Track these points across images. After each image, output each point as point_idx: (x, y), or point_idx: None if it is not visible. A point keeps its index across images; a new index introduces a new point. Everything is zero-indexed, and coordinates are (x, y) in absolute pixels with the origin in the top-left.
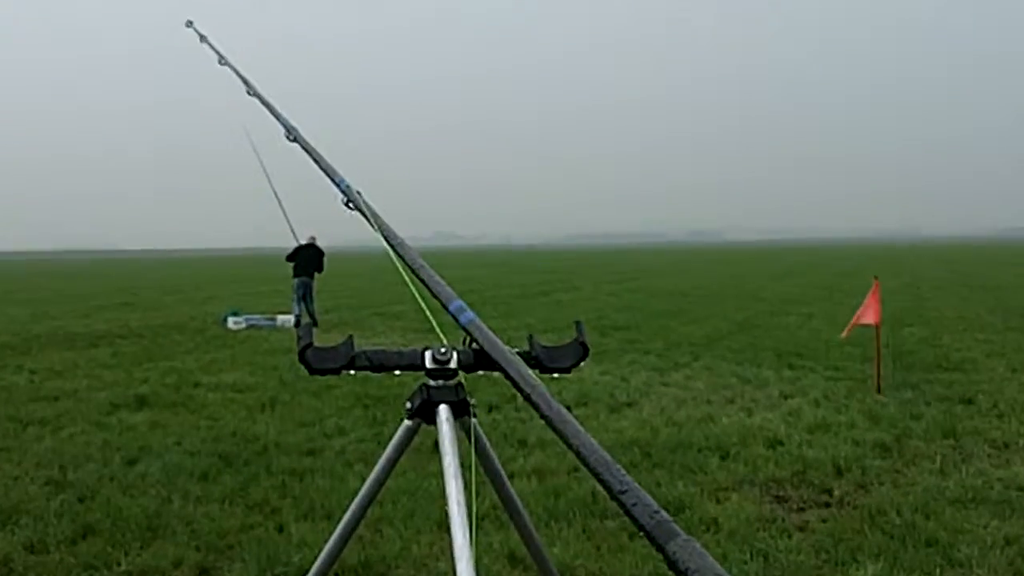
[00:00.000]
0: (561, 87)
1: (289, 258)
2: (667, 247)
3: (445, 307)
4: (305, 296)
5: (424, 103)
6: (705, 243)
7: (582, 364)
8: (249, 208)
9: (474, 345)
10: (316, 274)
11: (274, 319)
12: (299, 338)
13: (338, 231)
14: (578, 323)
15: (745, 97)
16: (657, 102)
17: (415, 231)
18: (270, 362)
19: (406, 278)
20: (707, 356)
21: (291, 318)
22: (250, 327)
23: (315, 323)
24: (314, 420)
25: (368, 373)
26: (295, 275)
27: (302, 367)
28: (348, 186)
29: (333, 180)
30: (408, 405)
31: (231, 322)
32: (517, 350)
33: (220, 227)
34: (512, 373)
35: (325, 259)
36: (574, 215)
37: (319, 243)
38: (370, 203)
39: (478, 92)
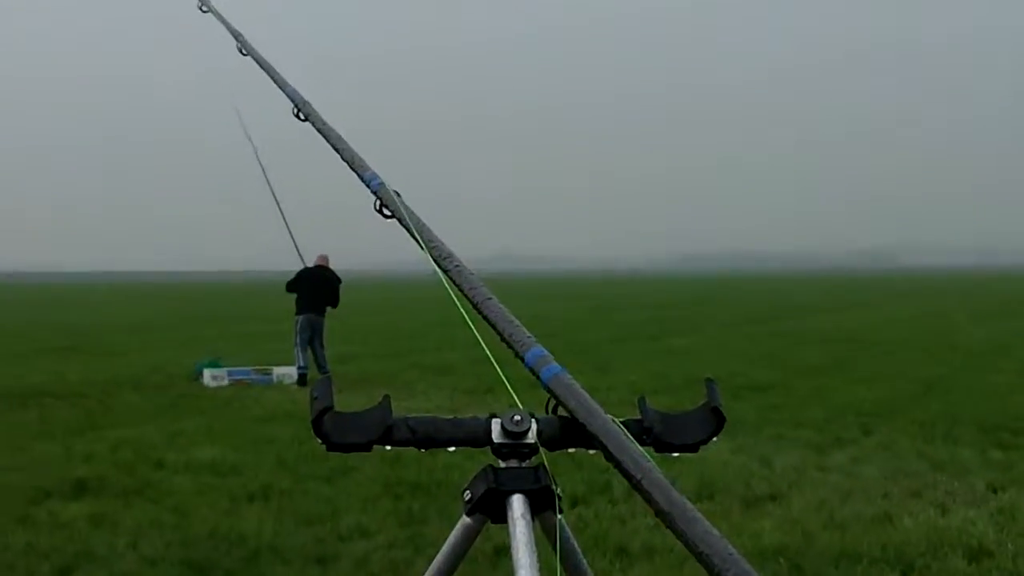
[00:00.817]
0: (678, 75)
1: (291, 287)
2: (822, 274)
3: (520, 356)
4: (313, 340)
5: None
6: (875, 269)
7: (715, 439)
8: (239, 220)
9: (561, 411)
10: (328, 309)
11: (270, 373)
12: (313, 399)
13: (363, 250)
14: (710, 382)
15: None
16: (794, 95)
17: (469, 251)
18: (263, 433)
19: (464, 315)
20: (882, 430)
21: (293, 371)
22: (235, 383)
23: (303, 373)
24: (325, 516)
25: (409, 450)
26: (299, 311)
27: (316, 440)
28: (382, 184)
29: (361, 176)
30: (466, 496)
31: (209, 376)
32: (622, 419)
33: (198, 244)
34: (615, 451)
35: (341, 288)
36: (694, 229)
37: (333, 266)
38: (412, 209)
39: (558, 67)
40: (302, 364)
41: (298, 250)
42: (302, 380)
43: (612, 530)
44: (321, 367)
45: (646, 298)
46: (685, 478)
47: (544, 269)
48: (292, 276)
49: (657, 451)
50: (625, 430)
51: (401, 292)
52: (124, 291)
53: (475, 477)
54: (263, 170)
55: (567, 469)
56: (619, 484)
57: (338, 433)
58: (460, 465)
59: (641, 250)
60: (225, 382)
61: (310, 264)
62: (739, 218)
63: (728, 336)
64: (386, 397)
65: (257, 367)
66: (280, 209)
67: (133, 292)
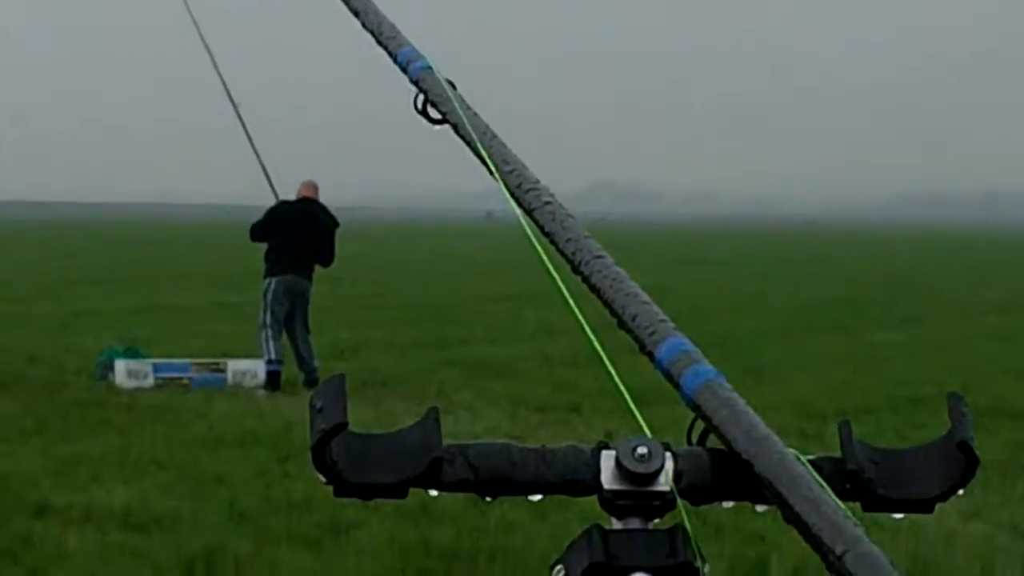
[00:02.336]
0: None
1: (257, 232)
2: None
3: (648, 351)
4: (292, 318)
5: None
6: None
7: (960, 492)
8: (180, 131)
9: (711, 441)
10: (317, 269)
11: (222, 369)
12: (316, 411)
13: (378, 177)
14: (955, 400)
15: None
16: None
17: (557, 182)
18: (210, 465)
19: (556, 280)
20: None
21: (259, 367)
22: (165, 384)
23: (310, 377)
24: None
25: (456, 497)
26: (270, 270)
27: (316, 477)
28: (428, 69)
29: (393, 56)
30: (558, 573)
31: (124, 372)
32: (811, 457)
33: (107, 164)
34: (801, 507)
35: (338, 236)
36: (910, 163)
37: (325, 200)
38: (474, 110)
39: None
40: (273, 356)
41: (267, 175)
42: (272, 381)
43: None
44: (303, 361)
45: (829, 264)
46: (886, 549)
47: (660, 213)
48: (260, 216)
49: (866, 509)
50: (817, 474)
51: (437, 245)
52: None
53: (573, 545)
54: (204, 43)
55: (696, 532)
56: (780, 562)
57: (355, 467)
58: (527, 525)
59: (825, 187)
60: (149, 382)
61: (289, 197)
62: (998, 141)
63: (964, 329)
64: (433, 411)
65: (201, 360)
66: (235, 105)
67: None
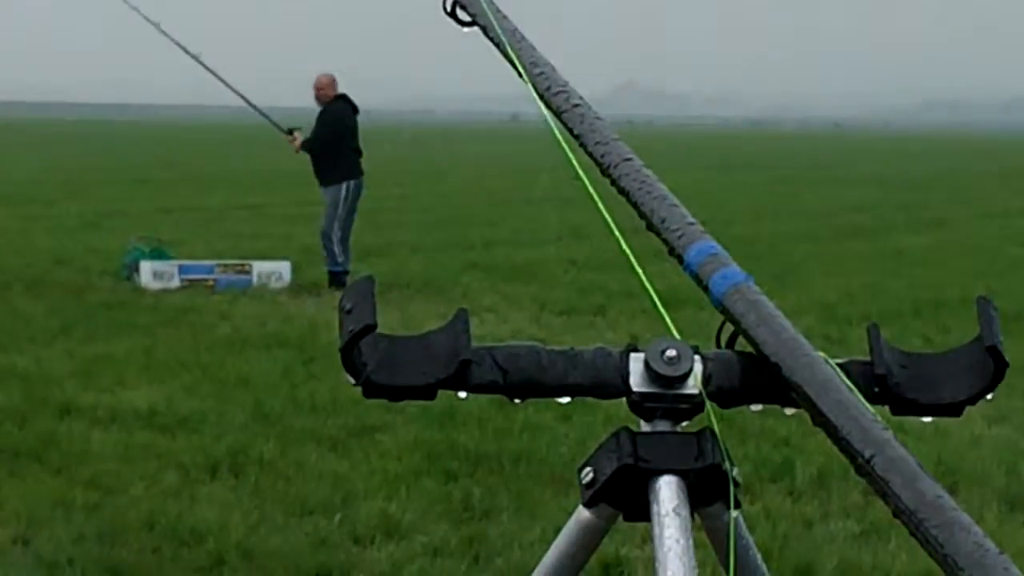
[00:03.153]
0: None
1: (325, 141)
2: None
3: (677, 254)
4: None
5: None
6: None
7: (988, 396)
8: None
9: (740, 344)
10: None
11: (247, 271)
12: (344, 312)
13: (397, 76)
14: (984, 303)
15: None
16: None
17: (581, 84)
18: (234, 367)
19: (585, 183)
20: None
21: (283, 267)
22: (191, 285)
23: (331, 276)
24: (331, 503)
25: (472, 402)
26: (346, 174)
27: (345, 378)
28: None
29: None
30: (586, 476)
31: (150, 273)
32: (840, 361)
33: (128, 62)
34: (829, 409)
35: (326, 128)
36: (947, 63)
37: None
38: (504, 14)
39: None
40: (339, 261)
41: (225, 82)
42: (338, 280)
43: (793, 539)
44: (347, 260)
45: (856, 168)
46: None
47: (691, 116)
48: (317, 122)
49: (895, 412)
50: (845, 378)
51: (459, 146)
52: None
53: (600, 447)
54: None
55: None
56: (805, 466)
57: (385, 368)
58: (553, 427)
59: (853, 90)
60: (175, 283)
61: (335, 91)
62: (1019, 48)
63: (989, 233)
64: (462, 313)
65: (226, 261)
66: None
67: (20, 129)
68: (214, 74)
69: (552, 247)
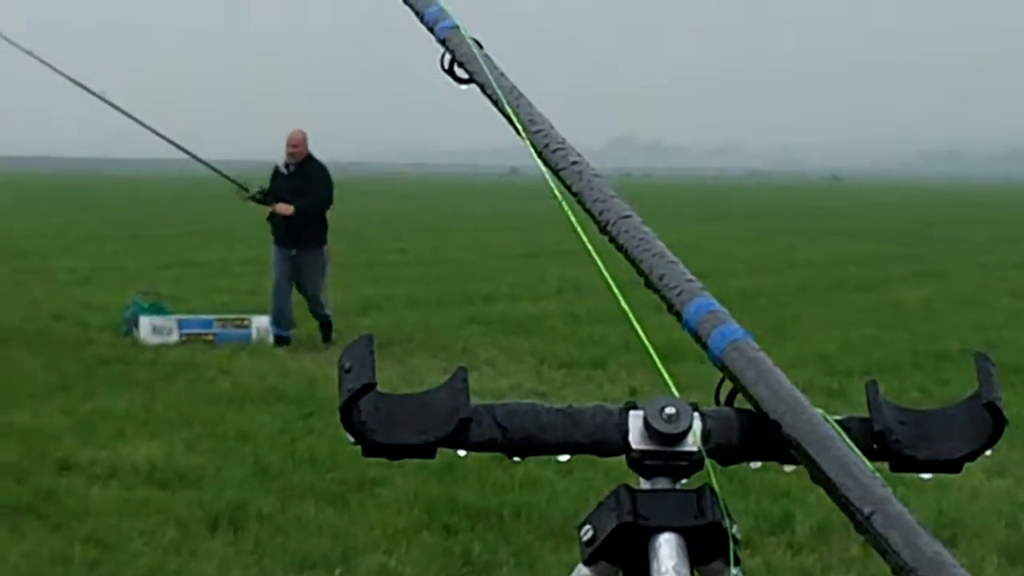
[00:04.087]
0: None
1: (323, 201)
2: None
3: (676, 311)
4: (301, 275)
5: None
6: None
7: (987, 453)
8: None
9: (739, 401)
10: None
11: (246, 325)
12: (344, 371)
13: (403, 135)
14: (982, 360)
15: None
16: None
17: (577, 137)
18: (235, 422)
19: (584, 240)
20: None
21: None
22: (190, 340)
23: (326, 329)
24: (331, 557)
25: (471, 458)
26: (319, 239)
27: (345, 437)
28: (456, 29)
29: (420, 15)
30: (586, 533)
31: (149, 328)
32: (838, 418)
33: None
34: (830, 467)
35: (326, 184)
36: (943, 112)
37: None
38: (502, 71)
39: None
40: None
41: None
42: (282, 338)
43: None
44: (317, 313)
45: (855, 220)
46: (916, 512)
47: (686, 168)
48: (317, 181)
49: (894, 469)
50: (844, 434)
51: (457, 203)
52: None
53: (600, 505)
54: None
55: (722, 489)
56: (805, 518)
57: (384, 427)
58: (552, 482)
59: (848, 142)
60: (174, 337)
61: (280, 162)
62: (1020, 97)
63: (988, 285)
64: (461, 372)
65: (225, 316)
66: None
67: (23, 183)
68: (178, 146)
69: (551, 301)
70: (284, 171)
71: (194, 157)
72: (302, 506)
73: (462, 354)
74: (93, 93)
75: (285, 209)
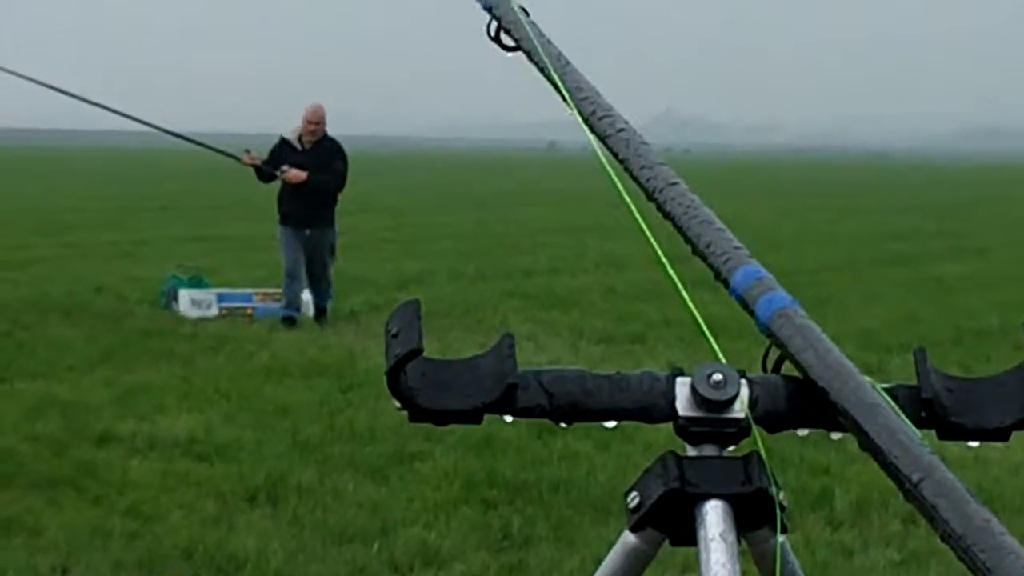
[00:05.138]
0: None
1: (342, 179)
2: None
3: (723, 278)
4: (313, 255)
5: None
6: None
7: None
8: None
9: (786, 368)
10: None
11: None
12: (391, 336)
13: (432, 108)
14: None
15: None
16: None
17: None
18: (273, 395)
19: (632, 209)
20: None
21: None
22: (229, 314)
23: (321, 315)
24: (370, 530)
25: (508, 429)
26: (330, 218)
27: (392, 403)
28: None
29: None
30: (632, 500)
31: (188, 301)
32: (886, 386)
33: (173, 96)
34: (877, 434)
35: (344, 164)
36: (990, 87)
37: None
38: (548, 38)
39: None
40: (289, 304)
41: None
42: (290, 318)
43: (833, 568)
44: (318, 289)
45: (897, 196)
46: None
47: (731, 144)
48: (338, 159)
49: (941, 436)
50: (892, 402)
51: (497, 177)
52: (37, 155)
53: (646, 472)
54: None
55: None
56: (844, 494)
57: (431, 393)
58: (591, 456)
59: (894, 119)
60: (213, 311)
61: (285, 133)
62: None
63: None
64: (507, 338)
65: (264, 290)
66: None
67: (25, 157)
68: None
69: (589, 276)
70: (298, 146)
71: (175, 135)
72: (341, 479)
73: (500, 328)
74: (71, 95)
75: (296, 176)
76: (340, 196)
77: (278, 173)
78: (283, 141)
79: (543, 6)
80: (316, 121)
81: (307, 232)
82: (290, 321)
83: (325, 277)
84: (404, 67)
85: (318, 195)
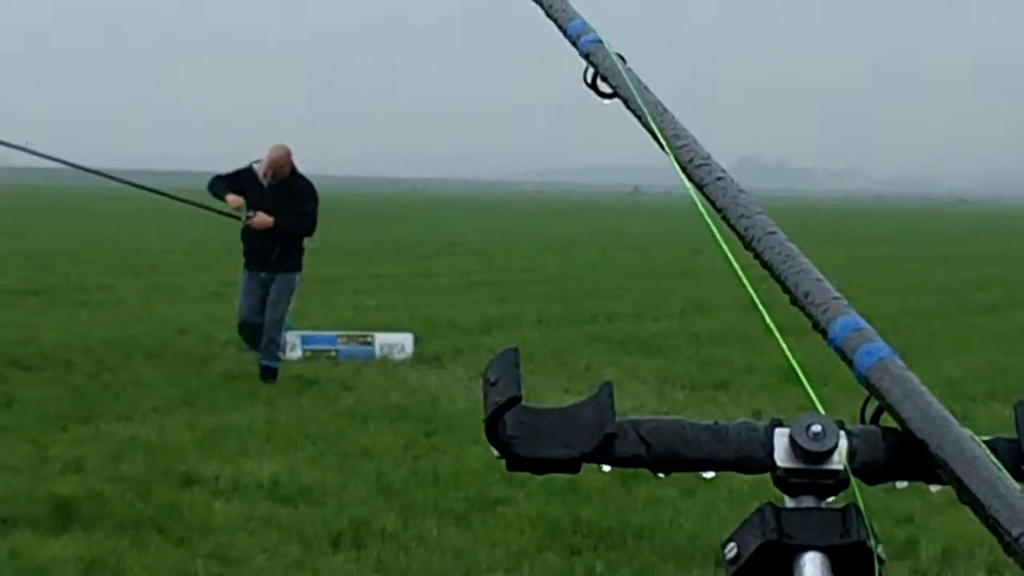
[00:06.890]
0: None
1: (313, 223)
2: None
3: (821, 329)
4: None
5: None
6: None
7: None
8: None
9: (884, 420)
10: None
11: (369, 342)
12: (489, 385)
13: (518, 148)
14: None
15: None
16: None
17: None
18: (358, 439)
19: (727, 255)
20: None
21: (406, 339)
22: (311, 356)
23: (264, 368)
24: (452, 575)
25: (592, 477)
26: (295, 263)
27: (490, 451)
28: (599, 43)
29: (563, 29)
30: (730, 551)
31: None
32: (986, 438)
33: (254, 133)
34: (978, 488)
35: (314, 205)
36: None
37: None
38: (645, 85)
39: None
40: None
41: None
42: (273, 376)
43: None
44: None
45: (983, 243)
46: None
47: (814, 190)
48: (307, 199)
49: None
50: (992, 455)
51: (582, 221)
52: (83, 198)
53: (745, 523)
54: None
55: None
56: (929, 543)
57: (529, 441)
58: (676, 502)
59: (974, 166)
60: (297, 353)
61: (253, 161)
62: None
63: None
64: (607, 386)
65: (349, 332)
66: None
67: (98, 198)
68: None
69: (674, 321)
70: (264, 182)
71: (158, 192)
72: (425, 524)
73: (585, 372)
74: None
75: (264, 222)
76: (307, 242)
77: (243, 219)
78: (250, 169)
79: (640, 54)
80: (280, 162)
81: (268, 275)
82: (271, 372)
83: (277, 328)
84: (503, 108)
85: (283, 237)
